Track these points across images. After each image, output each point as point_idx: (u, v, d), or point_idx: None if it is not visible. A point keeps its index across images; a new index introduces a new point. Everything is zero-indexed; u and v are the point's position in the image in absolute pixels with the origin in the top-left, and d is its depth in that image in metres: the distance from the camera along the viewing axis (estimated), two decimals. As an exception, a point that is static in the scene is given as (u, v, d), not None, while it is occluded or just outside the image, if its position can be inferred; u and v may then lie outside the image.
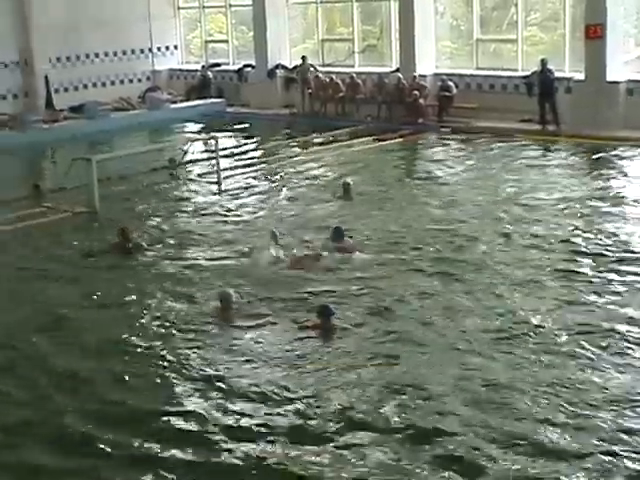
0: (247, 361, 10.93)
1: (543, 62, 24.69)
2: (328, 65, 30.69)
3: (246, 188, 20.35)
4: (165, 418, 9.63)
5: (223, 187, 20.34)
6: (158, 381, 10.65)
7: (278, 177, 21.37)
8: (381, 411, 9.44)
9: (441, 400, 9.61)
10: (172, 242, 16.33)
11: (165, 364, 11.04)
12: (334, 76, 29.31)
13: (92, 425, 9.52)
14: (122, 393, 10.32)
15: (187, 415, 9.65)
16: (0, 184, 22.09)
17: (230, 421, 9.46)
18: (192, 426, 9.42)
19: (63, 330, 12.45)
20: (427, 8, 28.07)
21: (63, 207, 18.92)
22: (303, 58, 30.39)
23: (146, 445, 9.09)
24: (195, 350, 11.40)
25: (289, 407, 9.67)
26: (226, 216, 18.09)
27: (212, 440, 9.12)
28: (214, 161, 21.23)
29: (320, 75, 29.74)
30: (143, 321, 12.59)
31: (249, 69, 32.45)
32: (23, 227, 17.75)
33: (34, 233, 17.38)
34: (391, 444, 8.80)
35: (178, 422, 9.52)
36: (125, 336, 11.99)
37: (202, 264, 14.92)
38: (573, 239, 15.22)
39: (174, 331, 12.11)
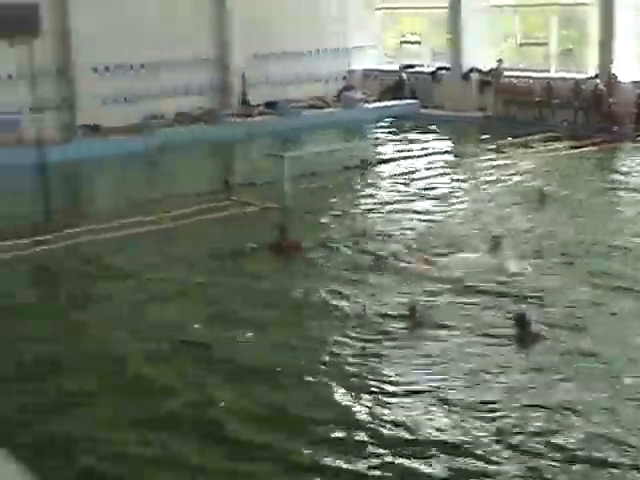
0: (428, 370, 10.70)
1: None
2: (524, 69, 30.19)
3: (437, 190, 20.19)
4: (329, 425, 9.45)
5: (414, 188, 20.24)
6: (326, 386, 10.46)
7: (470, 180, 21.14)
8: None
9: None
10: (349, 241, 16.24)
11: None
12: (530, 80, 28.84)
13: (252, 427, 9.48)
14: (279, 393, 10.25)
15: (352, 424, 9.44)
16: (193, 177, 22.71)
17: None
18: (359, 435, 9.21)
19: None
20: (628, 14, 27.28)
21: (251, 202, 19.17)
22: (499, 61, 30.02)
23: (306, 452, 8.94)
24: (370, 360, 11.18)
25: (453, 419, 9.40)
26: (413, 218, 17.94)
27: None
28: (405, 162, 21.17)
29: (515, 79, 29.32)
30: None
31: (444, 71, 32.26)
32: (203, 220, 18.06)
33: (209, 227, 17.61)
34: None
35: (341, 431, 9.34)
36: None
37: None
38: None
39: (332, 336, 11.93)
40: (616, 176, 21.49)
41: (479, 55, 31.30)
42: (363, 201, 19.54)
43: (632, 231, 16.29)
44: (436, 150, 25.43)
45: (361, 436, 9.18)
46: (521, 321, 11.44)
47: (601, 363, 10.64)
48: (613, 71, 27.06)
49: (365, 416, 9.61)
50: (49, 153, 18.43)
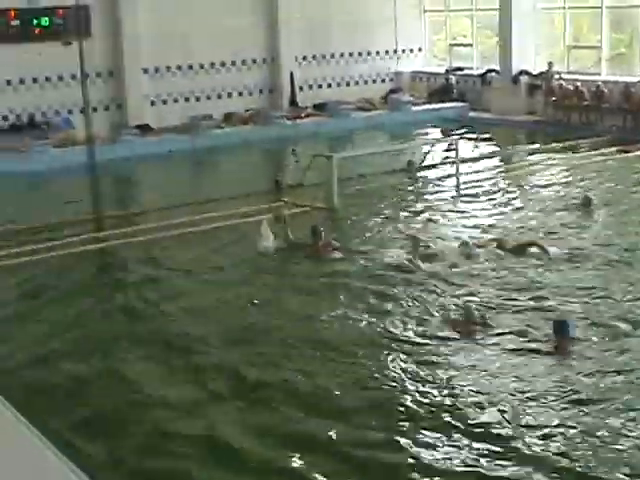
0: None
1: None
2: (574, 72, 29.97)
3: (484, 193, 20.08)
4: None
5: (461, 191, 20.19)
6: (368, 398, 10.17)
7: (518, 184, 21.01)
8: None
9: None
10: (386, 245, 16.10)
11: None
12: (579, 84, 28.65)
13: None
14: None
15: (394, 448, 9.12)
16: (242, 177, 22.82)
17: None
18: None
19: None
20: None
21: (301, 203, 19.18)
22: (549, 64, 29.84)
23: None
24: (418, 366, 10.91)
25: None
26: (457, 221, 17.87)
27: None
28: (453, 165, 21.11)
29: (564, 83, 29.14)
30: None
31: (493, 74, 32.12)
32: (251, 221, 17.98)
33: (254, 228, 17.20)
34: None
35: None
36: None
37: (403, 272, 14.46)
38: None
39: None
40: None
41: (529, 58, 31.12)
42: (408, 203, 19.50)
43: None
44: (484, 153, 25.37)
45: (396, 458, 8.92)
46: (560, 328, 11.15)
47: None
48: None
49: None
50: (98, 153, 18.61)
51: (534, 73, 30.75)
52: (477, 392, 10.00)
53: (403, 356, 11.17)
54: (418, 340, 11.65)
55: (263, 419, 9.70)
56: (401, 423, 9.46)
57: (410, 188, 21.06)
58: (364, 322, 12.42)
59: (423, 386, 10.27)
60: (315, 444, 9.14)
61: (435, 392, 10.11)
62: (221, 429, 9.50)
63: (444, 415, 9.53)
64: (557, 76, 29.63)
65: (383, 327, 12.16)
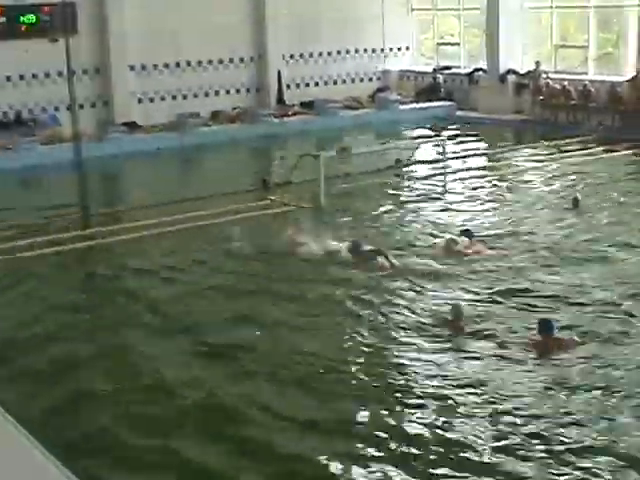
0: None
1: None
2: (561, 72, 29.99)
3: (471, 192, 20.11)
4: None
5: (448, 190, 20.18)
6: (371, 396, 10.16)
7: (503, 183, 21.02)
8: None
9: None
10: (371, 242, 15.95)
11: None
12: (566, 83, 28.68)
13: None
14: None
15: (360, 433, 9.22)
16: (229, 176, 22.76)
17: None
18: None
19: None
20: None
21: (287, 201, 19.15)
22: (537, 63, 29.86)
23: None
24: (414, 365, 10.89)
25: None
26: (444, 221, 17.80)
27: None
28: (441, 163, 21.12)
29: (551, 82, 29.17)
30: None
31: (480, 73, 32.12)
32: (236, 220, 17.96)
33: (240, 226, 17.38)
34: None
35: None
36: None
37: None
38: None
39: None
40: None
41: (516, 57, 31.12)
42: (394, 201, 19.48)
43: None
44: (470, 152, 25.35)
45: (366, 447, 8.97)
46: (545, 327, 11.10)
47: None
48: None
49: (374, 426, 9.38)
50: (85, 150, 18.56)
51: (521, 72, 30.76)
52: (456, 401, 9.87)
53: (378, 361, 11.10)
54: (397, 344, 11.58)
55: (225, 431, 9.53)
56: (370, 435, 9.27)
57: (397, 186, 21.04)
58: (337, 328, 12.29)
59: (402, 396, 10.10)
60: (280, 458, 8.95)
61: (410, 400, 9.96)
62: (180, 442, 9.26)
63: (419, 427, 9.34)
64: (544, 75, 29.64)
65: (358, 333, 11.99)
